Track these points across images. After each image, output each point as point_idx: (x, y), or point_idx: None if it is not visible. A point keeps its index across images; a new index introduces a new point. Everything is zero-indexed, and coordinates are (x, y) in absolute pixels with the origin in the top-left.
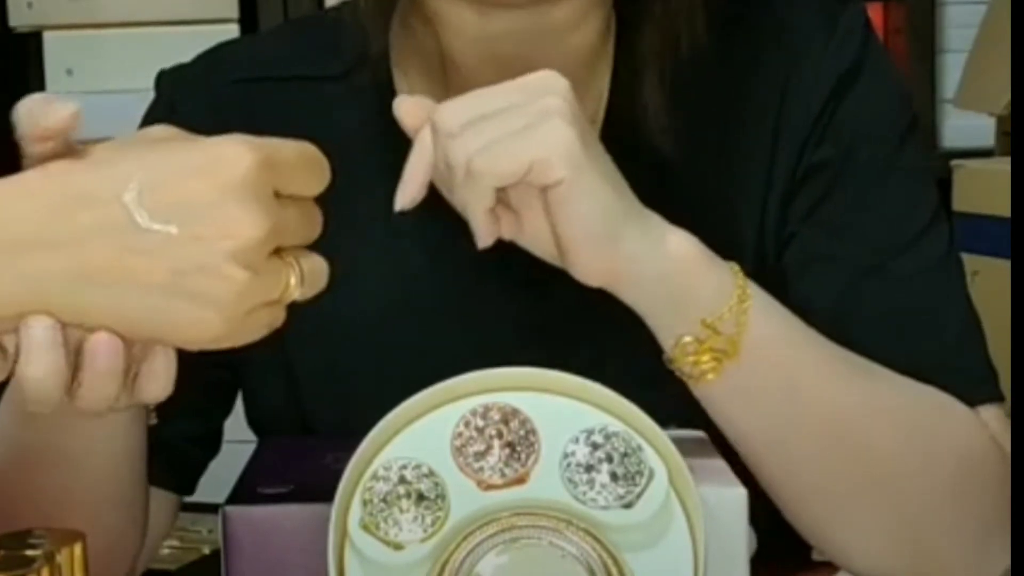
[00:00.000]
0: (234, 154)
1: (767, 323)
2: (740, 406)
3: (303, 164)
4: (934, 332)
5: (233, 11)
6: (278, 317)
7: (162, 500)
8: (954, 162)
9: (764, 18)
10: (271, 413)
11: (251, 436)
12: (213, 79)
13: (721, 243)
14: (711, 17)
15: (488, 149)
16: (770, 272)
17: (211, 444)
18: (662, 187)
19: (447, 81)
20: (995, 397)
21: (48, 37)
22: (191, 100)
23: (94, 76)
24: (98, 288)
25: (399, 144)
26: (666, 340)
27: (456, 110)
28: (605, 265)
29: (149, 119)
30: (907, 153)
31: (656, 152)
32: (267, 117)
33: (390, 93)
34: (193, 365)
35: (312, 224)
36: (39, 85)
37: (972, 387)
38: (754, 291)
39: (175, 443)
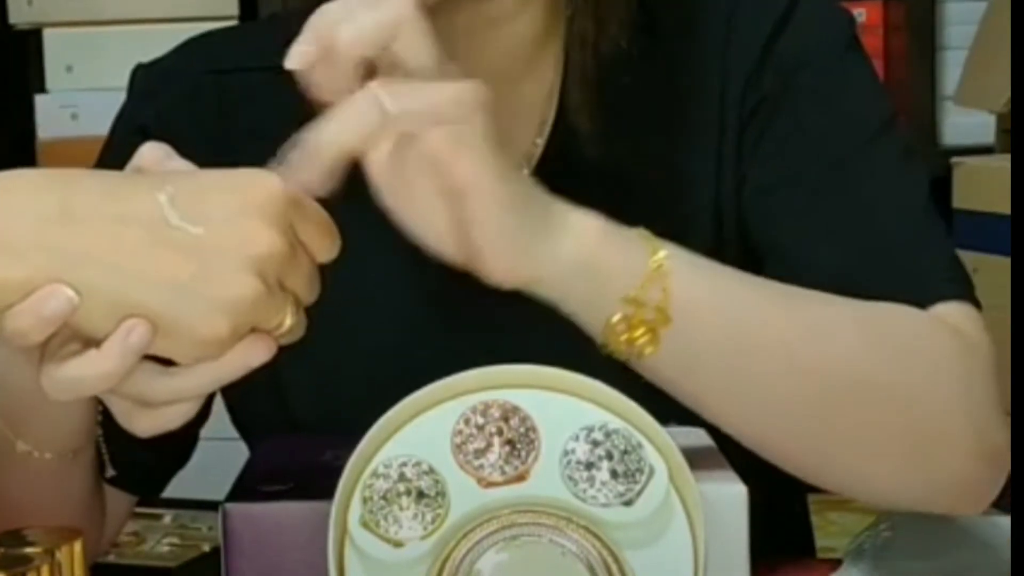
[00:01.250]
0: (266, 179)
1: (692, 280)
2: (689, 370)
3: (324, 223)
4: (885, 242)
5: (233, 8)
6: (271, 348)
7: (120, 499)
8: (954, 159)
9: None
10: (259, 420)
11: None
12: (189, 70)
13: (676, 227)
14: (640, 12)
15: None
16: (729, 243)
17: (180, 453)
18: (611, 177)
19: None
20: (955, 296)
21: (48, 34)
22: (167, 92)
23: (94, 73)
24: (119, 274)
25: None
26: (595, 327)
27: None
28: (511, 266)
29: (127, 114)
30: (847, 70)
31: (607, 140)
32: (242, 108)
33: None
34: None
35: (313, 285)
36: (39, 82)
37: (928, 289)
38: (671, 251)
39: (138, 452)
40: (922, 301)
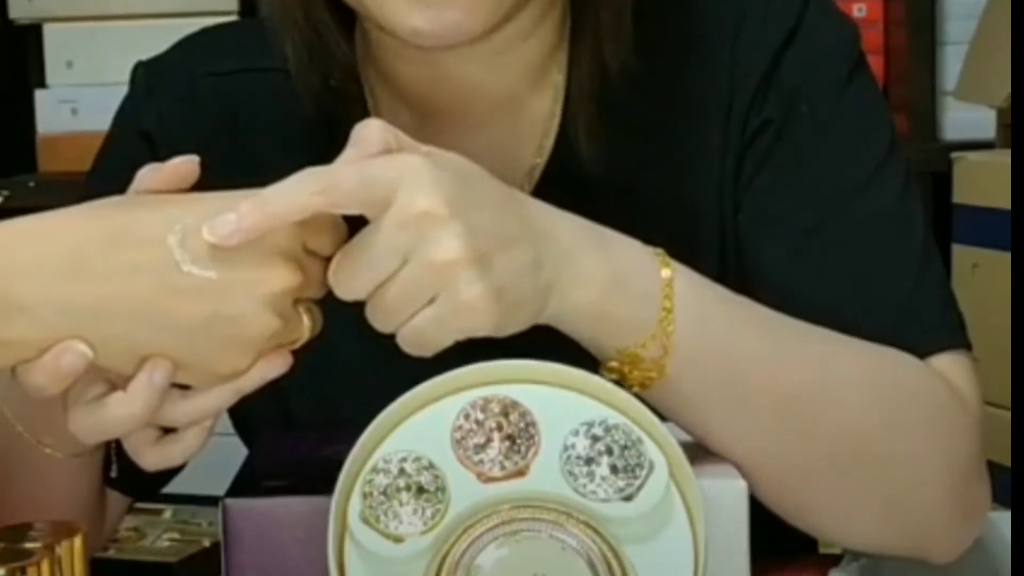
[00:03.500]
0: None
1: (698, 335)
2: (681, 409)
3: (329, 222)
4: (882, 284)
5: (233, 3)
6: (288, 360)
7: (117, 496)
8: (955, 154)
9: (696, 15)
10: (257, 417)
11: None
12: (189, 70)
13: (680, 246)
14: (643, 31)
15: (413, 330)
16: (732, 265)
17: None
18: (613, 195)
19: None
20: (951, 345)
21: (48, 29)
22: (167, 90)
23: (94, 68)
24: (134, 324)
25: None
26: (598, 357)
27: (349, 281)
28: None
29: (126, 111)
30: (850, 100)
31: (608, 158)
32: (242, 106)
33: (357, 86)
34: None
35: (325, 283)
36: (39, 78)
37: (924, 337)
38: (682, 304)
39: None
40: (920, 350)
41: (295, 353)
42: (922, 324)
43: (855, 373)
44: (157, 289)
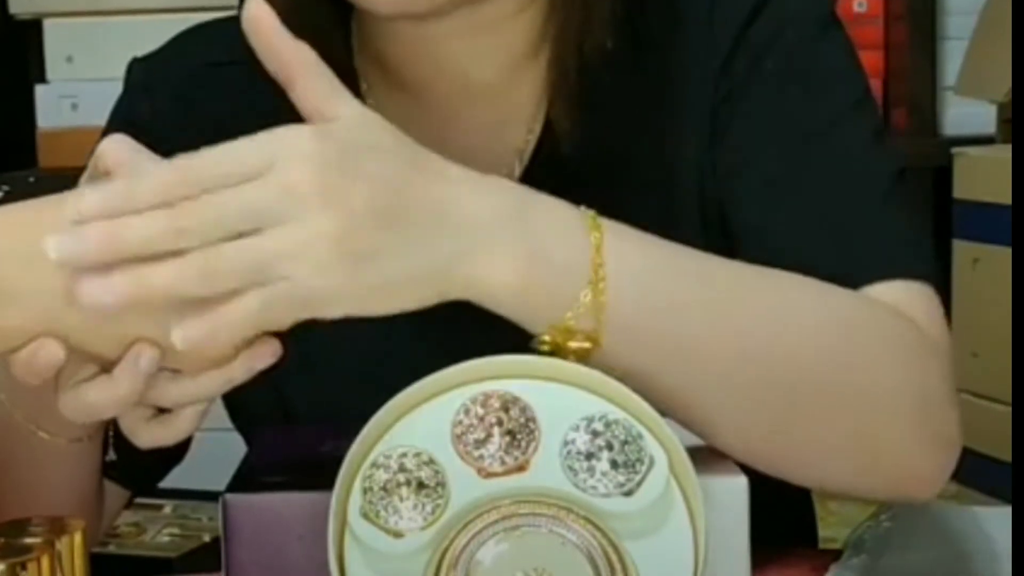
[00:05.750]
0: None
1: (633, 302)
2: (627, 375)
3: None
4: (842, 220)
5: None
6: (277, 351)
7: (115, 490)
8: (955, 149)
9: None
10: (256, 412)
11: None
12: (184, 64)
13: (664, 219)
14: (626, 9)
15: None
16: (713, 228)
17: (176, 451)
18: (600, 171)
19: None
20: (908, 275)
21: (48, 24)
22: (163, 85)
23: (94, 63)
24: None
25: None
26: (530, 331)
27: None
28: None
29: (124, 108)
30: (815, 55)
31: (594, 135)
32: (238, 100)
33: (354, 84)
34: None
35: None
36: (39, 73)
37: (878, 267)
38: (614, 272)
39: (133, 448)
40: (873, 278)
41: (291, 345)
42: (877, 255)
43: (805, 316)
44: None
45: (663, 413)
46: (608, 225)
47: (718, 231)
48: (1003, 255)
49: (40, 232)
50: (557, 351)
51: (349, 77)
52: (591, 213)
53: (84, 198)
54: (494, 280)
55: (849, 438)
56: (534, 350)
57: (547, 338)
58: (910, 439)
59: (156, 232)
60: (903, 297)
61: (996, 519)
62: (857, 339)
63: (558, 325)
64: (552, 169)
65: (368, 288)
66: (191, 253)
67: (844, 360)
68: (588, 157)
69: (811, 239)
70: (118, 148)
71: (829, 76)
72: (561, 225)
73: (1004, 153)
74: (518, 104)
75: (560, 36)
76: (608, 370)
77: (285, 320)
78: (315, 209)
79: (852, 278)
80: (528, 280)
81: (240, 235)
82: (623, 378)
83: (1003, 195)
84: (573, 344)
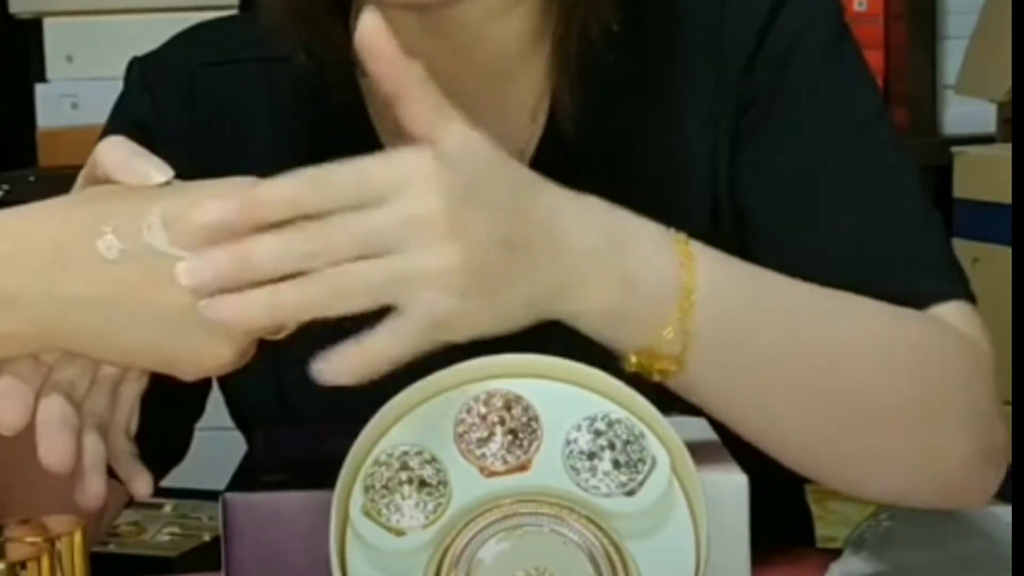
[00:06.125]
0: (247, 184)
1: (718, 328)
2: (703, 397)
3: None
4: (883, 235)
5: None
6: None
7: (114, 489)
8: (955, 149)
9: None
10: (257, 411)
11: None
12: (183, 63)
13: (672, 210)
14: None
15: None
16: (725, 230)
17: (176, 450)
18: (606, 164)
19: None
20: (955, 294)
21: (48, 23)
22: (163, 84)
23: (94, 62)
24: (117, 313)
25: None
26: (617, 352)
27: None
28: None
29: (124, 107)
30: (837, 64)
31: (599, 127)
32: (238, 99)
33: (353, 80)
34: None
35: None
36: (39, 72)
37: (929, 287)
38: (702, 299)
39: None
40: (925, 299)
41: (292, 343)
42: (926, 273)
43: (873, 338)
44: (140, 277)
45: (656, 399)
46: (698, 249)
47: (732, 235)
48: (1003, 254)
49: (38, 236)
50: (641, 371)
51: (347, 69)
52: (683, 237)
53: (206, 211)
54: (590, 307)
55: (915, 456)
56: (525, 333)
57: (633, 360)
58: (969, 455)
59: (288, 254)
60: (961, 318)
61: (996, 518)
62: (929, 364)
63: (646, 349)
64: (557, 162)
65: (483, 314)
66: (321, 273)
67: (916, 384)
68: (592, 146)
69: (856, 259)
70: (116, 152)
71: (853, 84)
72: (654, 250)
73: (1004, 152)
74: (523, 95)
75: (566, 18)
76: (685, 390)
77: (422, 346)
78: (443, 240)
79: (908, 299)
80: (620, 307)
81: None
82: (698, 397)
83: (1003, 194)
84: (659, 366)
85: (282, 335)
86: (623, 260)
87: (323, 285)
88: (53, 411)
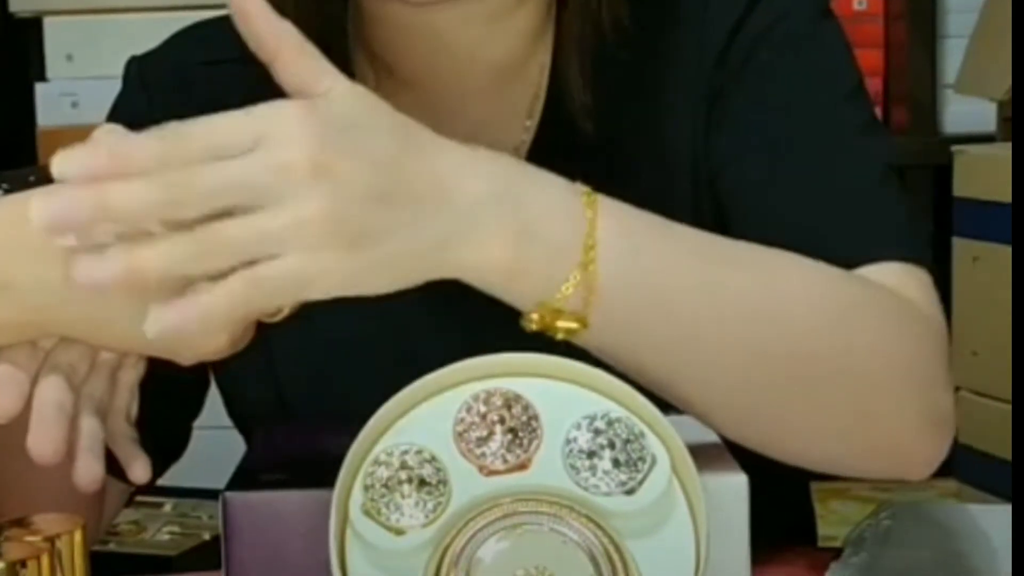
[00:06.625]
0: None
1: (623, 284)
2: (615, 356)
3: None
4: (837, 201)
5: None
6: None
7: (116, 486)
8: (955, 147)
9: None
10: (254, 409)
11: None
12: (181, 61)
13: (656, 198)
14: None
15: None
16: (705, 212)
17: (174, 447)
18: (600, 150)
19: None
20: (904, 257)
21: (48, 23)
22: (160, 82)
23: (94, 61)
24: (111, 298)
25: None
26: (519, 309)
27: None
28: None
29: (122, 106)
30: (813, 45)
31: (598, 114)
32: (234, 98)
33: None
34: (160, 371)
35: None
36: (39, 71)
37: (875, 248)
38: (606, 253)
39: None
40: (869, 259)
41: (291, 341)
42: (869, 236)
43: (797, 292)
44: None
45: (656, 397)
46: (603, 204)
47: (710, 216)
48: (1003, 253)
49: (31, 224)
50: (545, 330)
51: (346, 67)
52: (586, 190)
53: (70, 157)
54: (483, 260)
55: (845, 417)
56: (522, 328)
57: (535, 316)
58: (906, 418)
59: (144, 200)
60: (899, 279)
61: (996, 517)
62: (854, 318)
63: (546, 305)
64: (555, 150)
65: (358, 268)
66: (183, 232)
67: (841, 339)
68: (589, 139)
69: (807, 221)
70: (109, 136)
71: (822, 67)
72: (554, 203)
73: (1004, 151)
74: (520, 89)
75: (580, 12)
76: (597, 351)
77: (271, 304)
78: (307, 188)
79: (850, 259)
80: (516, 260)
81: (229, 214)
82: (613, 358)
83: (1003, 193)
84: (561, 324)
85: (278, 318)
86: (519, 211)
87: (181, 244)
88: (50, 395)
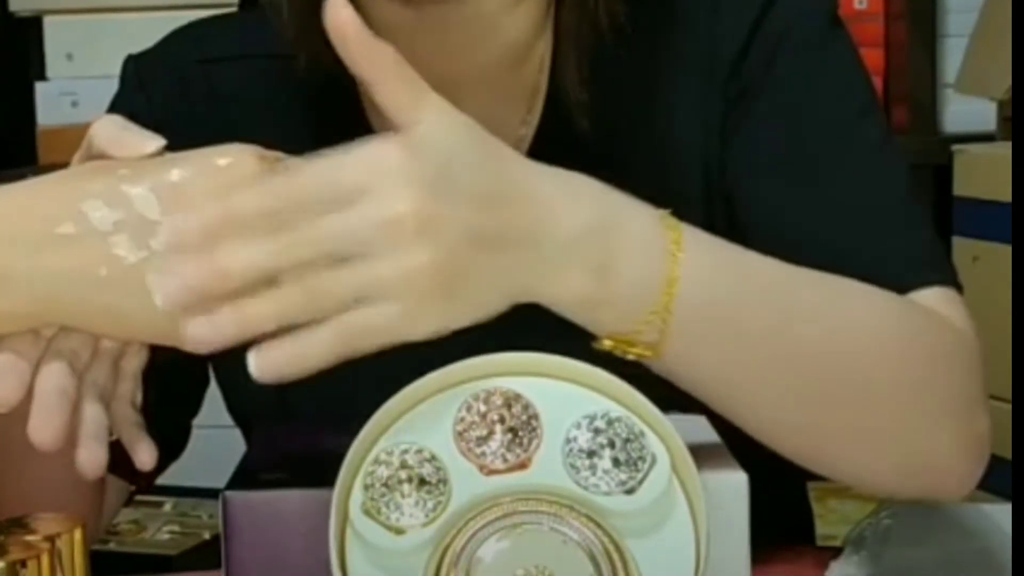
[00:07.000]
0: (239, 152)
1: (698, 316)
2: (683, 383)
3: None
4: (869, 221)
5: None
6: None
7: (116, 485)
8: (955, 147)
9: None
10: (255, 408)
11: None
12: (179, 59)
13: (666, 199)
14: None
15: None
16: (718, 219)
17: (174, 445)
18: (603, 153)
19: None
20: (939, 280)
21: (48, 22)
22: (158, 80)
23: (94, 61)
24: (111, 288)
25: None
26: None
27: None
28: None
29: (120, 105)
30: (828, 55)
31: (598, 114)
32: (233, 97)
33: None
34: (161, 369)
35: None
36: (39, 70)
37: (913, 273)
38: (684, 291)
39: None
40: (909, 285)
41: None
42: (911, 260)
43: (867, 326)
44: (132, 248)
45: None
46: (687, 236)
47: (724, 227)
48: (1003, 252)
49: (34, 216)
50: (616, 353)
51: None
52: (674, 222)
53: (183, 222)
54: (565, 292)
55: (894, 440)
56: (522, 326)
57: (608, 343)
58: (950, 442)
59: (259, 264)
60: (943, 303)
61: (995, 516)
62: (911, 346)
63: (619, 336)
64: (554, 151)
65: (456, 312)
66: (291, 284)
67: (898, 366)
68: (590, 137)
69: (847, 242)
70: (108, 127)
71: (842, 77)
72: (641, 235)
73: (1004, 150)
74: (519, 87)
75: (578, 8)
76: (667, 376)
77: (370, 347)
78: (413, 240)
79: (901, 284)
80: (598, 292)
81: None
82: (676, 380)
83: (1003, 192)
84: (633, 351)
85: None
86: (607, 246)
87: (291, 296)
88: (52, 381)
